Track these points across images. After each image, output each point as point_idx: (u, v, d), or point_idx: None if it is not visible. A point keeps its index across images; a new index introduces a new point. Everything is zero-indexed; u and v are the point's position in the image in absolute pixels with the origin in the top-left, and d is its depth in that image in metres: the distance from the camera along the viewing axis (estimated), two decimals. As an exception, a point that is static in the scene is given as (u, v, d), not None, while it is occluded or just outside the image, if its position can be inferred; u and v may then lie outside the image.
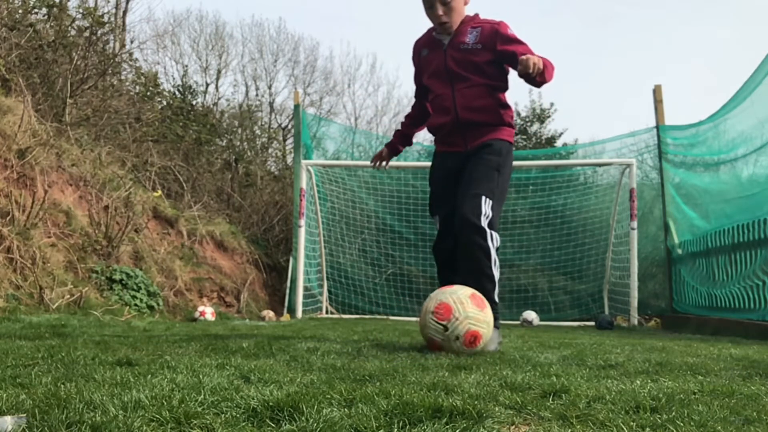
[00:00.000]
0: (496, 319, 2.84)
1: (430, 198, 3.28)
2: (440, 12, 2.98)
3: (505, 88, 3.12)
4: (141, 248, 6.72)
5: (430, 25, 3.14)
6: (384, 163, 3.49)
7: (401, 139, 3.47)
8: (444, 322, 2.53)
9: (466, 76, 3.01)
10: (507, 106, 3.11)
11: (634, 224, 7.52)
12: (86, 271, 5.77)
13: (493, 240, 2.90)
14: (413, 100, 3.43)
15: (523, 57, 2.72)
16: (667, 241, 8.03)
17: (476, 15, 3.09)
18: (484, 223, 2.87)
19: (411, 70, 3.35)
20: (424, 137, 15.30)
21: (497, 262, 2.93)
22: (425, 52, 3.16)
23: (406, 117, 3.47)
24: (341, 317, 7.98)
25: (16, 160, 5.74)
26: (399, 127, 3.49)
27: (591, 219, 8.91)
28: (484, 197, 2.90)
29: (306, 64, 16.26)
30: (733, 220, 5.86)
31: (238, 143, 12.89)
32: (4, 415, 1.21)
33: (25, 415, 1.23)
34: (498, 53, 2.97)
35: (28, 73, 7.10)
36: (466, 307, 2.55)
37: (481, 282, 2.85)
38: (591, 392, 1.61)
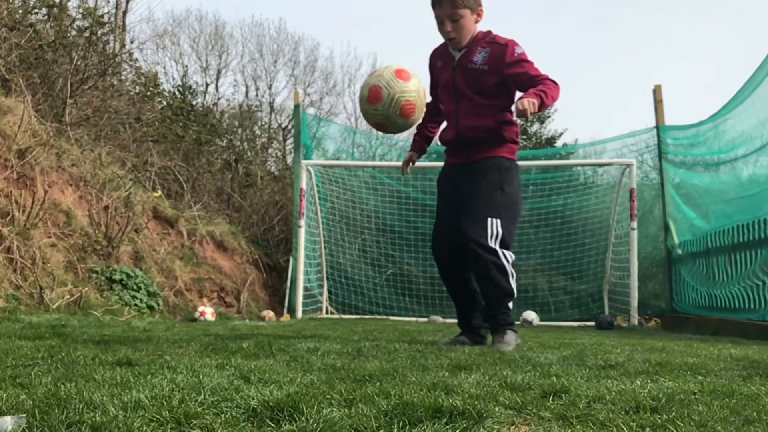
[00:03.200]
0: (510, 324, 3.08)
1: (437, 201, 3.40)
2: (449, 28, 3.05)
3: (511, 106, 3.16)
4: (141, 248, 6.72)
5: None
6: (411, 164, 3.55)
7: (425, 139, 3.51)
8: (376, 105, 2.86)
9: (470, 95, 3.09)
10: (511, 123, 3.17)
11: (634, 224, 7.51)
12: (86, 271, 5.77)
13: (507, 257, 3.04)
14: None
15: (518, 103, 2.80)
16: (667, 241, 8.03)
17: (489, 32, 3.13)
18: (493, 243, 2.98)
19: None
20: (424, 137, 15.29)
21: (514, 275, 3.10)
22: (440, 63, 3.24)
23: (423, 123, 3.47)
24: (341, 317, 7.98)
25: (16, 160, 5.74)
26: (416, 130, 3.51)
27: (591, 219, 8.90)
28: (489, 219, 3.00)
29: (306, 65, 16.26)
30: (733, 221, 5.85)
31: (238, 143, 12.88)
32: (4, 415, 1.21)
33: (25, 415, 1.23)
34: (505, 76, 3.03)
35: (28, 73, 7.10)
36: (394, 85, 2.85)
37: (500, 297, 3.06)
38: (591, 392, 1.61)
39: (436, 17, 3.09)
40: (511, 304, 3.10)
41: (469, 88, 3.09)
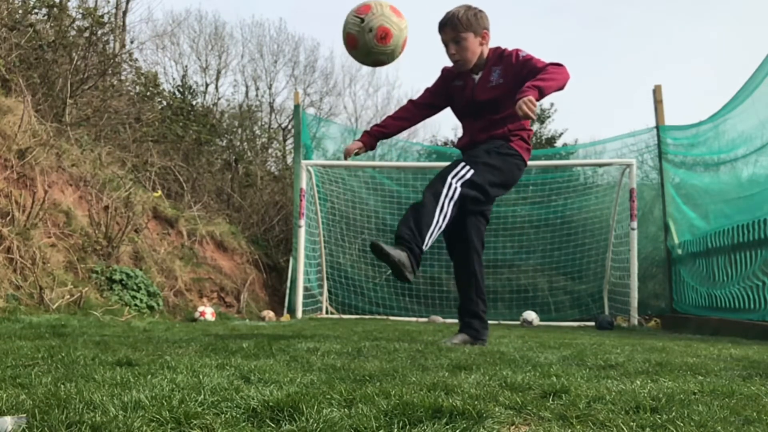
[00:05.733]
0: (405, 243, 2.86)
1: None
2: (453, 51, 3.21)
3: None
4: (141, 248, 6.71)
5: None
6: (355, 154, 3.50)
7: (375, 138, 3.50)
8: (362, 16, 2.91)
9: (488, 113, 3.24)
10: (524, 129, 3.30)
11: (634, 224, 7.51)
12: (86, 272, 5.77)
13: (452, 190, 2.98)
14: (405, 102, 3.62)
15: (516, 107, 2.86)
16: (667, 241, 8.03)
17: (497, 48, 3.27)
18: (452, 177, 3.01)
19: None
20: (423, 137, 15.29)
21: (444, 212, 2.96)
22: (459, 82, 3.34)
23: (389, 118, 3.51)
24: (341, 317, 7.98)
25: (16, 160, 5.74)
26: (381, 125, 3.51)
27: (591, 219, 8.90)
28: (464, 163, 3.08)
29: (306, 65, 16.27)
30: (733, 221, 5.85)
31: (238, 143, 12.88)
32: (4, 415, 1.21)
33: (25, 415, 1.23)
34: (520, 81, 3.12)
35: (28, 73, 7.10)
36: (384, 9, 2.92)
37: (417, 220, 2.93)
38: (591, 392, 1.61)
39: (442, 41, 3.24)
40: (427, 234, 2.91)
41: (489, 105, 3.23)
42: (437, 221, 2.94)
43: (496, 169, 3.14)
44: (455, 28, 3.16)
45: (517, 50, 3.18)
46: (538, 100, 2.86)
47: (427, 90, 3.50)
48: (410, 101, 3.55)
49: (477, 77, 3.27)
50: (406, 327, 5.33)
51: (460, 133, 3.75)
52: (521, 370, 2.06)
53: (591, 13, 27.53)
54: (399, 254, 2.82)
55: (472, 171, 3.05)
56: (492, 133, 3.23)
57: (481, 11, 3.22)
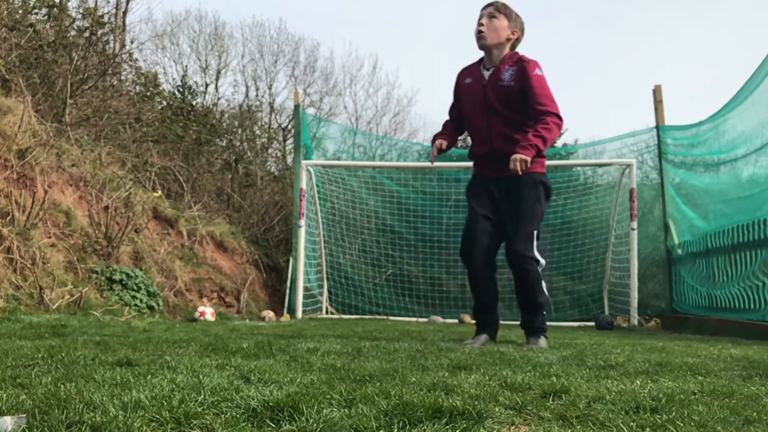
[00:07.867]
0: (545, 330, 3.39)
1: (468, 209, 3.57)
2: (483, 22, 3.35)
3: None
4: (141, 248, 6.71)
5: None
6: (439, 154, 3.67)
7: (457, 130, 3.66)
8: None
9: (501, 111, 3.33)
10: None
11: (634, 224, 7.51)
12: (86, 272, 5.77)
13: (541, 264, 3.34)
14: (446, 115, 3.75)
15: (511, 158, 3.13)
16: (667, 241, 8.03)
17: (516, 53, 3.40)
18: (536, 253, 3.31)
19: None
20: (424, 138, 15.27)
21: (544, 283, 3.42)
22: (468, 80, 3.47)
23: (446, 123, 3.70)
24: (341, 317, 7.98)
25: (16, 160, 5.74)
26: (443, 127, 3.69)
27: (591, 219, 8.90)
28: (535, 232, 3.31)
29: (306, 65, 16.23)
30: (733, 221, 5.85)
31: (238, 143, 12.87)
32: (4, 415, 1.21)
33: (25, 415, 1.23)
34: (523, 92, 3.28)
35: (28, 73, 7.10)
36: None
37: (537, 302, 3.37)
38: (591, 392, 1.61)
39: (479, 17, 3.38)
40: (545, 312, 3.44)
41: (500, 104, 3.31)
42: (546, 297, 3.44)
43: (543, 213, 3.40)
44: (497, 8, 3.34)
45: (536, 64, 3.29)
46: (526, 166, 3.13)
47: (452, 106, 3.62)
48: (444, 123, 3.69)
49: (488, 73, 3.36)
50: (406, 327, 5.33)
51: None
52: (521, 370, 2.06)
53: (591, 13, 27.52)
54: (545, 343, 3.33)
55: (537, 233, 3.32)
56: (512, 138, 3.29)
57: (522, 19, 3.42)
